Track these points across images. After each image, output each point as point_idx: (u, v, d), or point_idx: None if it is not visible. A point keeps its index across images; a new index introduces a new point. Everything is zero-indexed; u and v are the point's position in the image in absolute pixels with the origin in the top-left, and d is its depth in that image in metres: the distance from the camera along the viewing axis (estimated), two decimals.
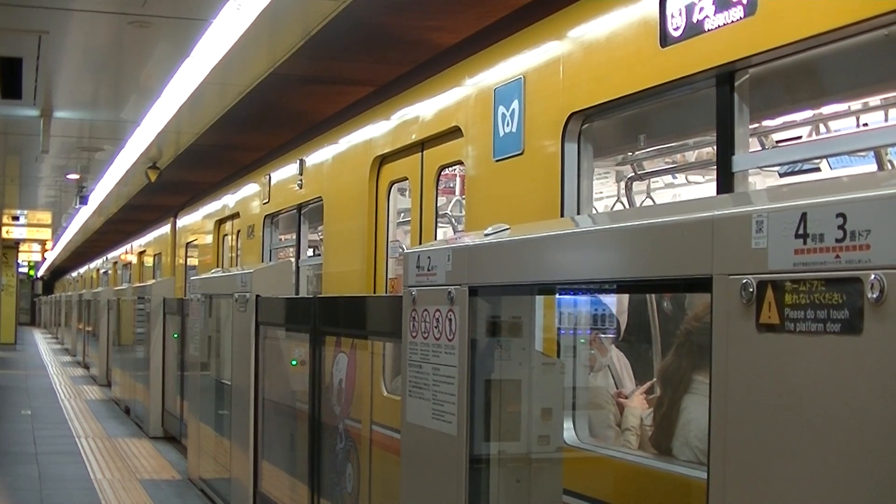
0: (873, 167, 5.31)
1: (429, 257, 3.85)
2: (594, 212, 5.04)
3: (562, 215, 4.68)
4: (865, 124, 4.98)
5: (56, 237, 33.20)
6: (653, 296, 5.54)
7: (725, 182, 3.77)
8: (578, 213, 4.68)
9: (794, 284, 2.04)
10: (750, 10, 3.59)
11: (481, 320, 3.62)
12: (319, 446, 6.36)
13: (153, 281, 15.85)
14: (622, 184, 6.28)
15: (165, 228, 18.06)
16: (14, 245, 34.31)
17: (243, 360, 7.71)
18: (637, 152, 5.67)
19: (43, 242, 34.59)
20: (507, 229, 3.61)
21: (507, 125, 5.25)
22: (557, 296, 4.06)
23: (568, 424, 4.23)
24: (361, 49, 8.73)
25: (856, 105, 4.83)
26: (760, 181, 6.07)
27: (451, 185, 8.14)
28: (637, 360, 5.81)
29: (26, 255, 41.24)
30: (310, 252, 10.27)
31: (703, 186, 6.76)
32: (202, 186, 15.85)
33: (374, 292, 7.23)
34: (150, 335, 14.11)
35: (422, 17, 7.76)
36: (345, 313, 6.18)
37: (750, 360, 2.16)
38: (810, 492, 1.99)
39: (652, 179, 6.44)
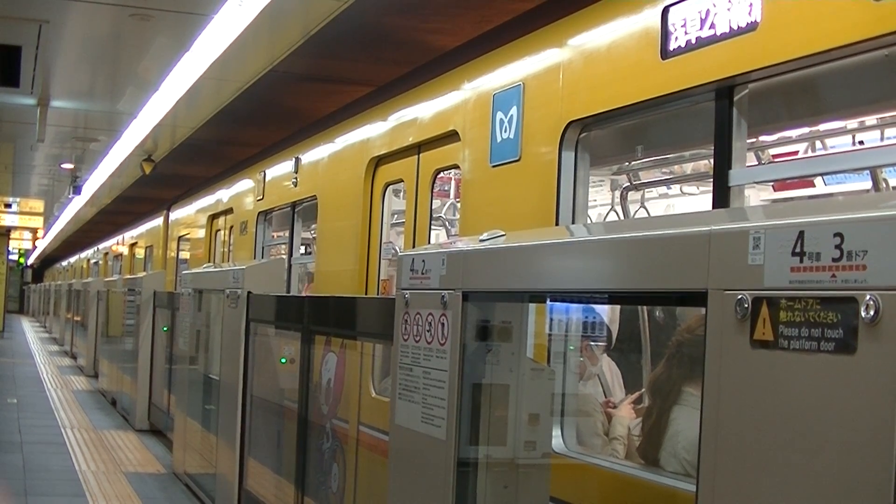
0: (866, 184, 5.34)
1: (423, 261, 3.85)
2: (589, 221, 5.05)
3: (557, 223, 4.69)
4: (861, 142, 5.00)
5: (48, 226, 33.16)
6: (645, 306, 5.55)
7: (722, 196, 3.78)
8: (574, 222, 4.69)
9: (789, 302, 2.05)
10: (751, 26, 3.60)
11: (473, 325, 3.62)
12: (306, 445, 6.36)
13: (144, 273, 15.82)
14: (617, 193, 6.30)
15: (158, 221, 18.03)
16: (5, 232, 34.20)
17: (232, 357, 7.70)
18: (633, 162, 5.68)
19: (34, 231, 34.52)
20: (502, 235, 3.62)
21: (505, 131, 5.25)
22: (551, 304, 4.07)
23: (556, 432, 4.24)
24: (361, 49, 8.73)
25: (852, 123, 4.85)
26: (754, 194, 6.10)
27: (446, 189, 8.15)
28: (628, 369, 5.82)
29: (17, 243, 41.12)
30: (301, 250, 10.26)
31: (697, 198, 6.78)
32: (196, 181, 15.83)
33: (366, 293, 7.23)
34: (140, 328, 14.08)
35: (422, 19, 7.76)
36: (336, 313, 6.18)
37: (743, 375, 2.17)
38: None
39: (646, 189, 6.46)
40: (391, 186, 7.32)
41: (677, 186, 6.81)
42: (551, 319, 4.49)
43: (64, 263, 46.28)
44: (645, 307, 5.59)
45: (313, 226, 9.58)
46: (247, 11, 7.45)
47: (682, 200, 7.04)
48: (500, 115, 5.33)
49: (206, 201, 13.92)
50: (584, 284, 3.06)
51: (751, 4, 3.60)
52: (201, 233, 13.92)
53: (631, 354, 5.91)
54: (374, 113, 7.56)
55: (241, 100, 10.69)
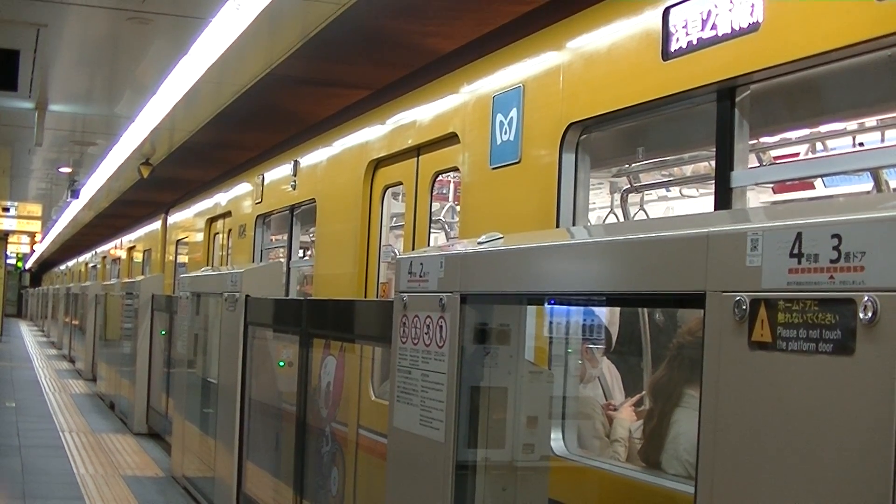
0: (867, 185, 5.32)
1: (421, 263, 3.84)
2: (589, 223, 5.03)
3: (557, 226, 4.68)
4: (861, 144, 4.99)
5: (45, 230, 33.13)
6: (645, 309, 5.54)
7: (723, 198, 3.76)
8: (574, 224, 4.68)
9: (787, 303, 2.04)
10: (753, 27, 3.59)
11: (471, 328, 3.61)
12: (305, 449, 6.34)
13: (142, 277, 15.81)
14: (616, 195, 6.28)
15: (156, 225, 18.01)
16: (3, 236, 34.18)
17: (231, 360, 7.69)
18: (634, 164, 5.67)
19: (32, 234, 34.50)
20: (500, 238, 3.61)
21: (505, 133, 5.24)
22: (550, 306, 4.06)
23: (557, 434, 4.23)
24: (359, 52, 8.73)
25: (852, 125, 4.84)
26: (753, 195, 6.08)
27: (444, 192, 8.14)
28: (628, 372, 5.81)
29: (15, 247, 41.08)
30: (300, 254, 10.25)
31: (697, 200, 6.77)
32: (194, 184, 15.82)
33: (365, 296, 7.22)
34: (138, 331, 14.07)
35: (421, 22, 7.76)
36: (334, 316, 6.17)
37: (741, 377, 2.16)
38: None
39: (646, 192, 6.45)
40: (390, 189, 7.31)
41: (677, 189, 6.80)
42: (551, 322, 4.48)
43: (62, 267, 46.25)
44: (645, 309, 5.58)
45: (312, 229, 9.57)
46: (245, 15, 7.44)
47: (682, 202, 7.03)
48: (499, 117, 5.32)
49: (205, 205, 13.90)
50: (583, 287, 3.05)
51: (752, 5, 3.59)
52: (199, 236, 13.91)
53: (631, 357, 5.90)
54: (372, 116, 7.54)
55: (240, 103, 10.69)
